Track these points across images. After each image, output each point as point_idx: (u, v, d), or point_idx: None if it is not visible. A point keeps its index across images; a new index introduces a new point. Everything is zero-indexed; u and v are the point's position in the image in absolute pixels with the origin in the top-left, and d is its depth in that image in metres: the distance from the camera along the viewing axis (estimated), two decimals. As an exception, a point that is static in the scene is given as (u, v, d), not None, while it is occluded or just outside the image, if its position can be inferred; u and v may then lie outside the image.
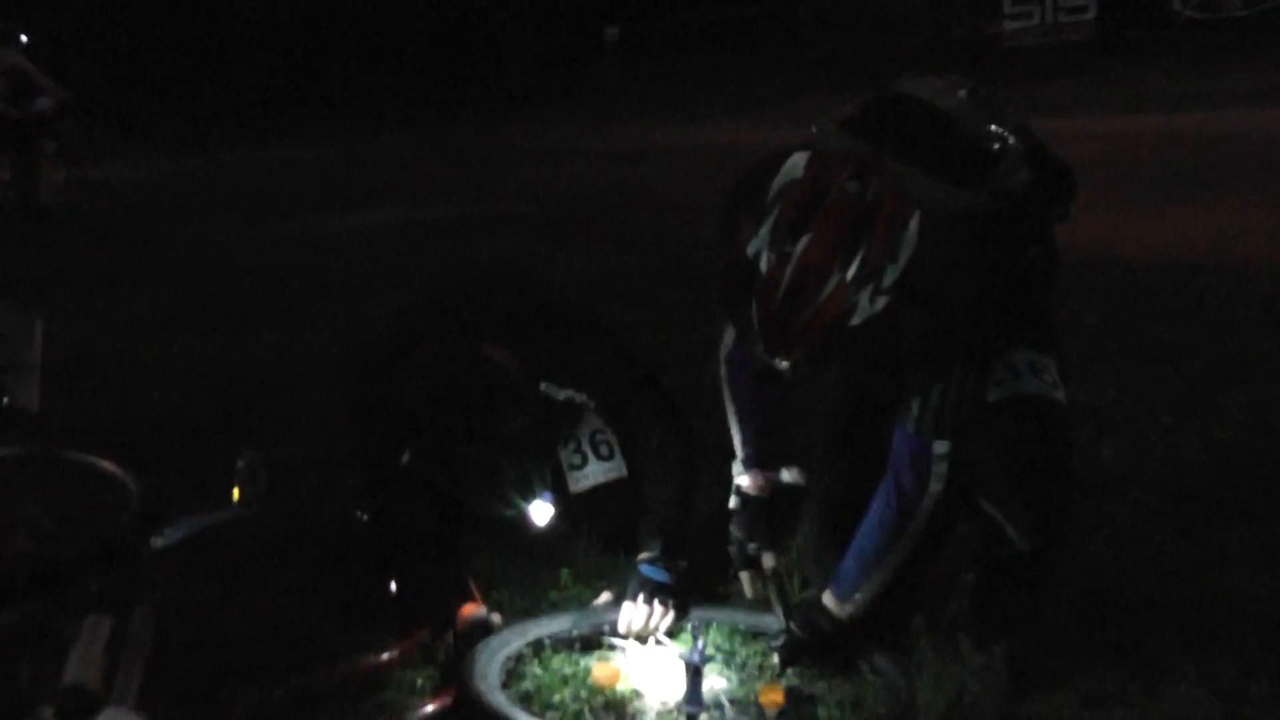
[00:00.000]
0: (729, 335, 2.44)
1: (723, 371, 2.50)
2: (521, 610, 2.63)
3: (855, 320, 1.98)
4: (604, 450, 2.85)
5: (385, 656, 2.46)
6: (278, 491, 2.94)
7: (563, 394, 2.69)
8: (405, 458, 2.71)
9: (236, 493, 2.90)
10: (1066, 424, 2.25)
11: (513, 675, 2.35)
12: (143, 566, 2.74)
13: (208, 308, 6.28)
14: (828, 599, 2.31)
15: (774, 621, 2.45)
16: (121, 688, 2.21)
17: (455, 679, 2.27)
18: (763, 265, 2.00)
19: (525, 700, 2.29)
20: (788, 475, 2.52)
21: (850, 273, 1.96)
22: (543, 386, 2.66)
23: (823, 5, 20.83)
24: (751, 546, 2.52)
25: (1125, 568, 2.72)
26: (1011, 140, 2.18)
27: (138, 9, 23.42)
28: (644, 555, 2.59)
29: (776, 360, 2.05)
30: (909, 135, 2.14)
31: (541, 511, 2.63)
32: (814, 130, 2.21)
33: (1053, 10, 18.89)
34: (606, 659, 2.41)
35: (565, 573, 2.79)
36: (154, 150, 17.15)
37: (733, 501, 2.54)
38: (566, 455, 2.83)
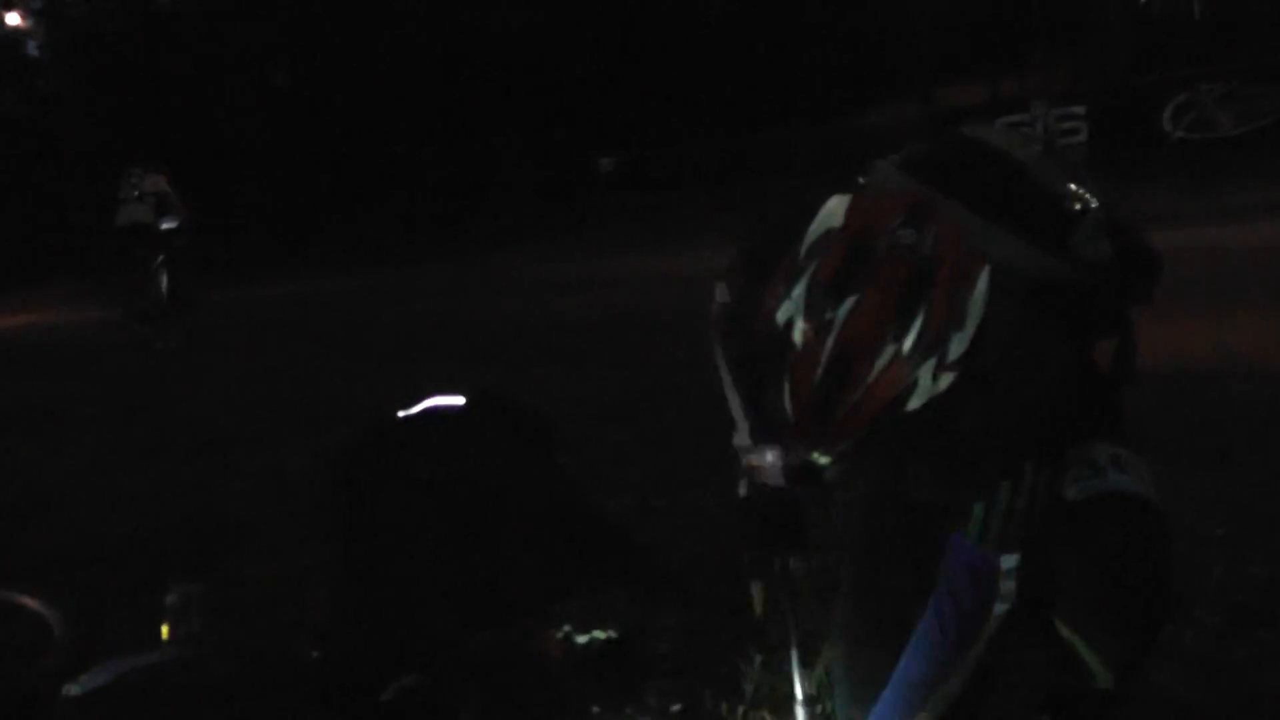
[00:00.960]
0: (720, 293, 2.04)
1: (714, 336, 2.10)
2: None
3: (914, 404, 1.60)
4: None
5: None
6: (215, 628, 2.57)
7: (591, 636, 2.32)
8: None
9: (166, 630, 2.53)
10: (1162, 527, 1.84)
11: None
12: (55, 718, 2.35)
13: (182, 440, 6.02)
14: None
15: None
16: None
17: None
18: (796, 337, 1.60)
19: None
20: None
21: (908, 343, 1.57)
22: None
23: (818, 136, 20.94)
24: (773, 556, 2.11)
25: (1200, 701, 2.33)
26: (1094, 204, 1.84)
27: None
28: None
29: (814, 456, 1.70)
30: (980, 181, 1.80)
31: None
32: (863, 179, 1.88)
33: (1043, 131, 19.02)
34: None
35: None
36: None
37: (741, 488, 2.10)
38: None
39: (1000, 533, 1.74)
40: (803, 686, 2.10)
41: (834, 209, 1.65)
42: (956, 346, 1.60)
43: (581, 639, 2.29)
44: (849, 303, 1.57)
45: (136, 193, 10.35)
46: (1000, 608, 1.77)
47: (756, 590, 2.12)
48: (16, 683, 2.64)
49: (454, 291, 13.69)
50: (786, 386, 1.61)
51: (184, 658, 2.51)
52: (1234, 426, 4.34)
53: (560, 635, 2.27)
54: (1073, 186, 1.84)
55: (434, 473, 2.38)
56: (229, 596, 2.72)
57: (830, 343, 1.58)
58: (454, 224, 22.89)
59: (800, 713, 2.06)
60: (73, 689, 2.40)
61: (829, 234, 1.62)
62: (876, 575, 2.09)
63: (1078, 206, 1.82)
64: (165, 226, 10.37)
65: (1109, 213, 1.85)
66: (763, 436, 2.03)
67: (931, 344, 1.58)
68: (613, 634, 2.32)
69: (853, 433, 1.62)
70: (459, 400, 2.53)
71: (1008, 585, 1.76)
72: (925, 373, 1.59)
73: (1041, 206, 1.80)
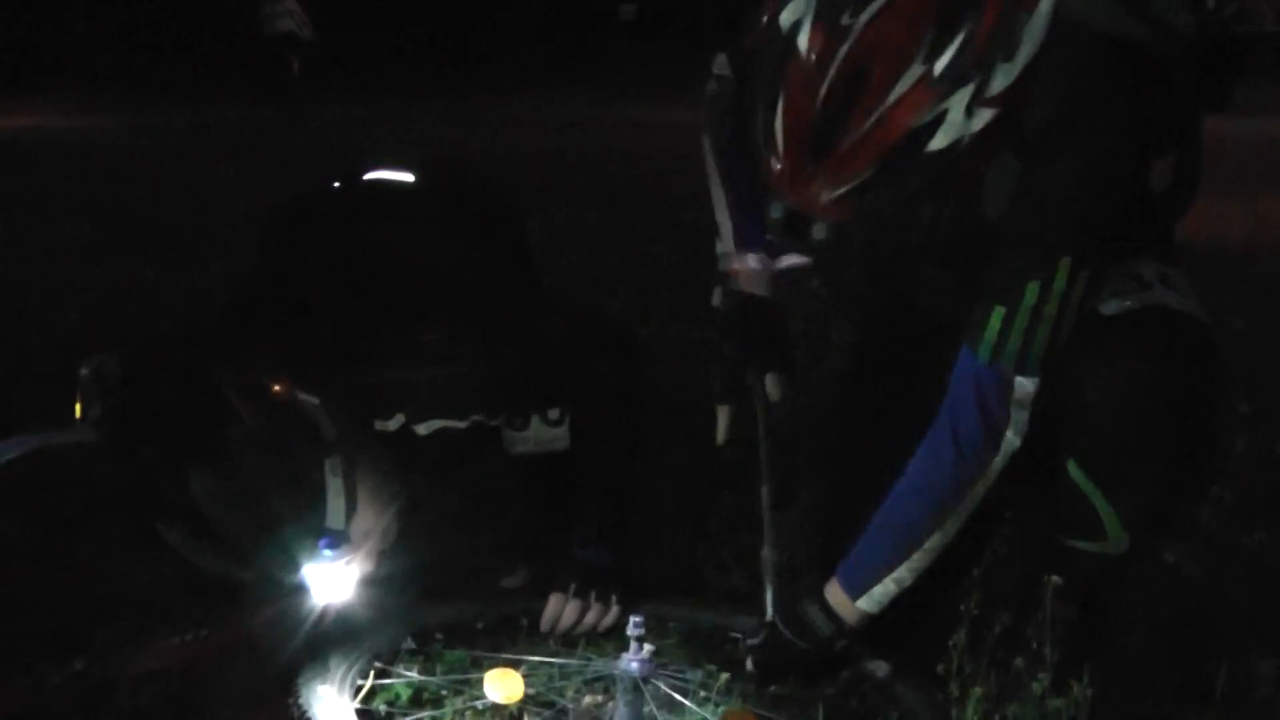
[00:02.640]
0: (719, 64, 1.74)
1: (705, 123, 1.83)
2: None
3: (938, 142, 1.30)
4: (552, 415, 2.11)
5: (225, 634, 1.83)
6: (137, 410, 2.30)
7: (430, 426, 1.95)
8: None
9: (79, 408, 2.26)
10: (1212, 354, 1.53)
11: (381, 675, 1.71)
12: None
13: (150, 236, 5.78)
14: (832, 593, 1.66)
15: (748, 620, 1.80)
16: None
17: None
18: (801, 43, 1.31)
19: (400, 714, 1.65)
20: (790, 259, 1.79)
21: (940, 64, 1.27)
22: (385, 423, 1.92)
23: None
24: (744, 372, 1.82)
25: (1217, 585, 2.10)
26: None
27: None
28: (578, 537, 1.94)
29: (805, 209, 1.39)
30: None
31: (329, 578, 1.78)
32: None
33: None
34: (509, 663, 1.76)
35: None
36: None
37: (716, 297, 1.84)
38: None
39: (1020, 347, 1.44)
40: (770, 526, 1.84)
41: None
42: (1001, 79, 1.30)
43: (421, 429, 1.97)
44: (873, 7, 1.28)
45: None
46: (1011, 441, 1.48)
47: (722, 414, 1.84)
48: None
49: (453, 123, 13.26)
50: (781, 105, 1.32)
51: (100, 437, 2.23)
52: (1264, 305, 4.13)
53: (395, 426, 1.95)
54: None
55: (364, 263, 2.01)
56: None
57: (844, 51, 1.28)
58: (461, 61, 22.22)
59: (767, 553, 1.81)
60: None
61: None
62: (866, 399, 1.81)
63: None
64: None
65: None
66: (747, 241, 1.78)
67: (970, 69, 1.29)
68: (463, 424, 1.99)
69: (855, 171, 1.32)
70: (406, 176, 2.15)
71: (1020, 416, 1.47)
72: (957, 104, 1.29)
73: None
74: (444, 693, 1.71)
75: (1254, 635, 1.91)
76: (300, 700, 1.51)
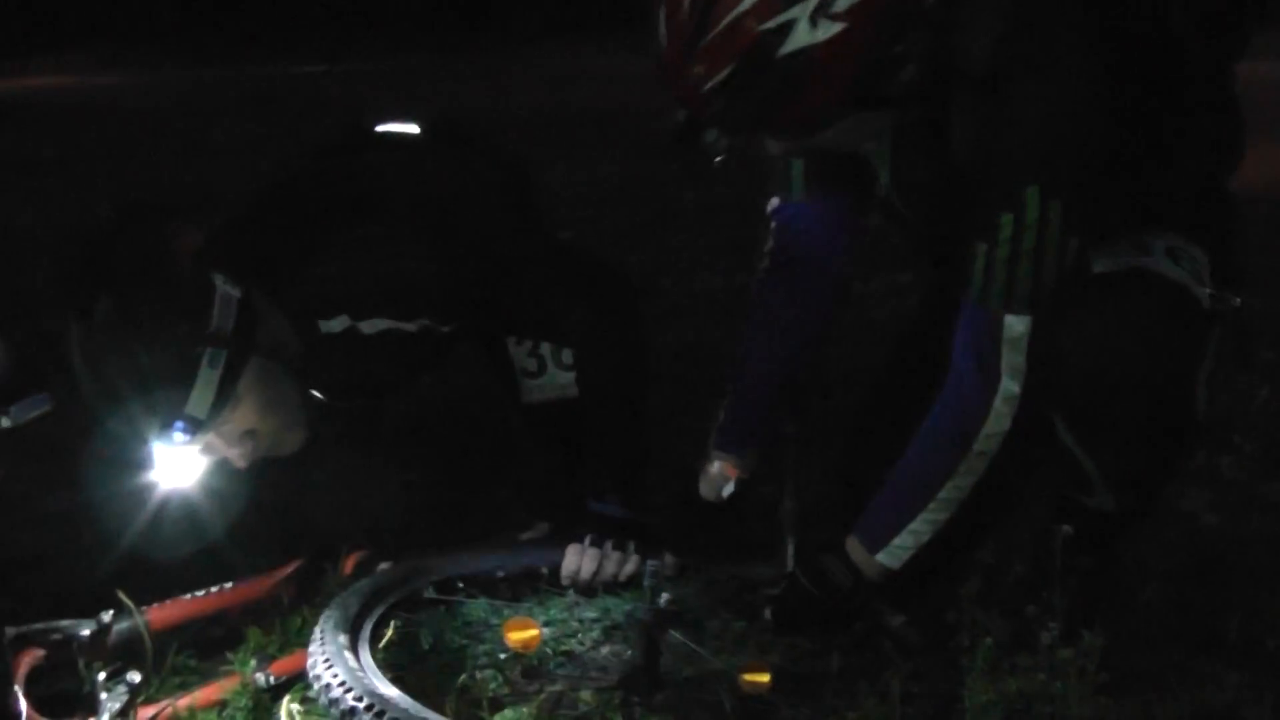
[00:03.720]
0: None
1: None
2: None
3: (789, 47, 1.35)
4: (567, 359, 2.13)
5: (245, 589, 1.86)
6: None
7: (374, 325, 1.95)
8: None
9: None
10: (1200, 328, 1.52)
11: (406, 624, 1.74)
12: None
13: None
14: (852, 547, 1.67)
15: (769, 569, 1.83)
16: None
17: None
18: None
19: (418, 662, 1.68)
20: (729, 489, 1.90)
21: None
22: (327, 323, 1.92)
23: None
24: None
25: (1231, 536, 2.09)
26: None
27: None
28: (592, 489, 1.97)
29: (690, 102, 1.44)
30: None
31: (173, 460, 1.80)
32: None
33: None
34: (528, 613, 1.79)
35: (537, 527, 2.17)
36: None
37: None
38: (520, 357, 2.14)
39: (1005, 283, 1.44)
40: (791, 479, 1.86)
41: None
42: None
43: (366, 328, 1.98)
44: None
45: None
46: (1009, 386, 1.48)
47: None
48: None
49: (471, 78, 13.14)
50: (663, 9, 1.42)
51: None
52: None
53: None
54: None
55: (340, 191, 2.04)
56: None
57: None
58: (483, 13, 21.97)
59: (788, 506, 1.83)
60: (4, 420, 2.19)
61: None
62: (894, 364, 1.85)
63: None
64: None
65: None
66: (725, 444, 1.91)
67: None
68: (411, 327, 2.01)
69: (719, 66, 1.38)
70: (412, 128, 2.18)
71: (1013, 358, 1.47)
72: (801, 14, 1.35)
73: None
74: (464, 642, 1.74)
75: (1269, 585, 1.91)
76: (322, 647, 1.54)
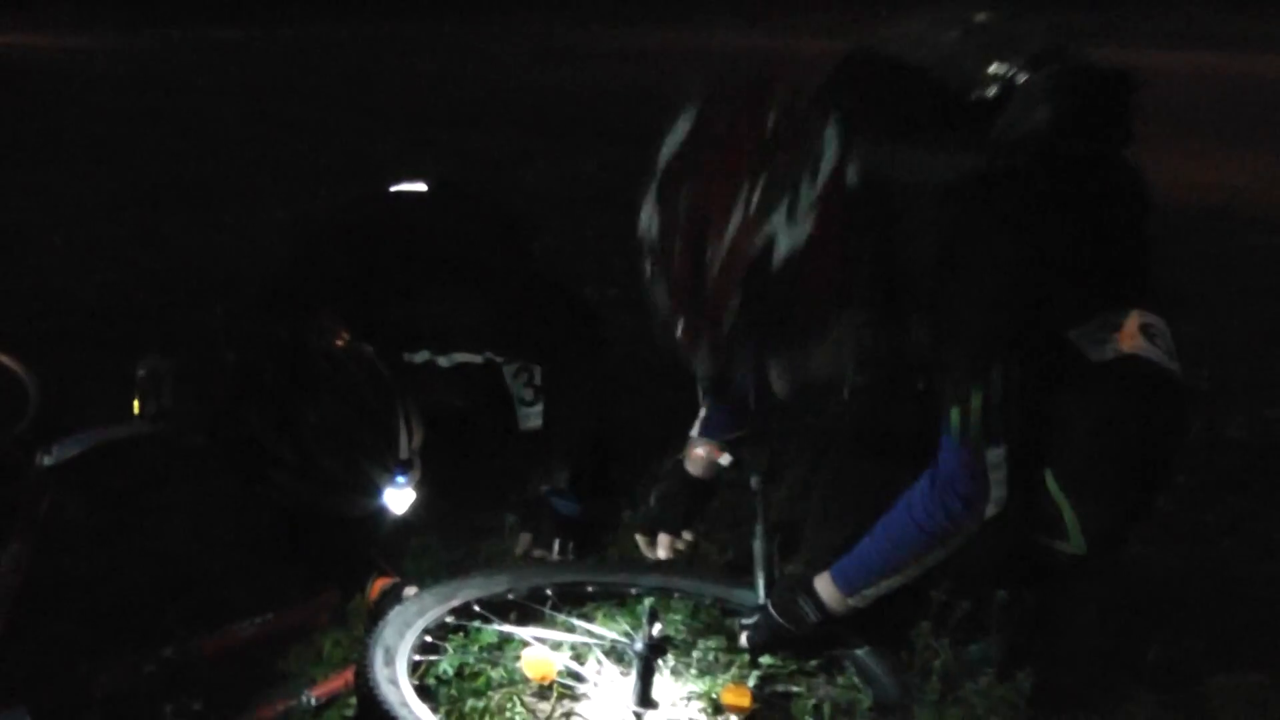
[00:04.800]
0: None
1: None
2: (450, 564, 2.28)
3: (780, 255, 1.56)
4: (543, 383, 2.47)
5: (287, 617, 2.09)
6: (185, 401, 2.54)
7: (451, 359, 2.26)
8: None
9: (137, 405, 2.50)
10: (1181, 406, 1.80)
11: (430, 650, 1.97)
12: (27, 488, 2.35)
13: (166, 183, 5.88)
14: (823, 586, 1.93)
15: (749, 595, 2.08)
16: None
17: (359, 652, 1.89)
18: (654, 231, 1.62)
19: (443, 685, 1.92)
20: (725, 459, 2.19)
21: (755, 199, 1.55)
22: (414, 356, 2.22)
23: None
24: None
25: (1159, 564, 2.35)
26: (1022, 77, 1.70)
27: None
28: (553, 488, 2.35)
29: (703, 358, 1.68)
30: (874, 104, 1.72)
31: (399, 498, 2.12)
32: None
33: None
34: (540, 641, 2.02)
35: (510, 520, 2.43)
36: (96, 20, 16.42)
37: (668, 464, 2.24)
38: (518, 388, 2.43)
39: (981, 429, 1.71)
40: (762, 521, 2.12)
41: (689, 112, 1.64)
42: (807, 193, 1.56)
43: (444, 361, 2.28)
44: (690, 181, 1.59)
45: None
46: (998, 494, 1.75)
47: (640, 541, 2.27)
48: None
49: (457, 51, 13.20)
50: (659, 281, 1.64)
51: (155, 430, 2.48)
52: (1229, 274, 4.27)
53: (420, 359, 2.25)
54: (995, 67, 1.71)
55: (386, 241, 2.31)
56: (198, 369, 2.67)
57: (681, 217, 1.59)
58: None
59: (758, 546, 2.09)
60: (46, 459, 2.40)
61: (683, 137, 1.62)
62: (860, 457, 2.09)
63: (993, 91, 1.69)
64: None
65: (1052, 73, 1.71)
66: (707, 431, 2.20)
67: (779, 192, 1.55)
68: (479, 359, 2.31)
69: (726, 305, 1.59)
70: (420, 187, 2.45)
71: (999, 475, 1.74)
72: (778, 221, 1.56)
73: (947, 105, 1.70)
74: (483, 666, 1.98)
75: (1190, 611, 2.17)
76: (369, 680, 1.77)
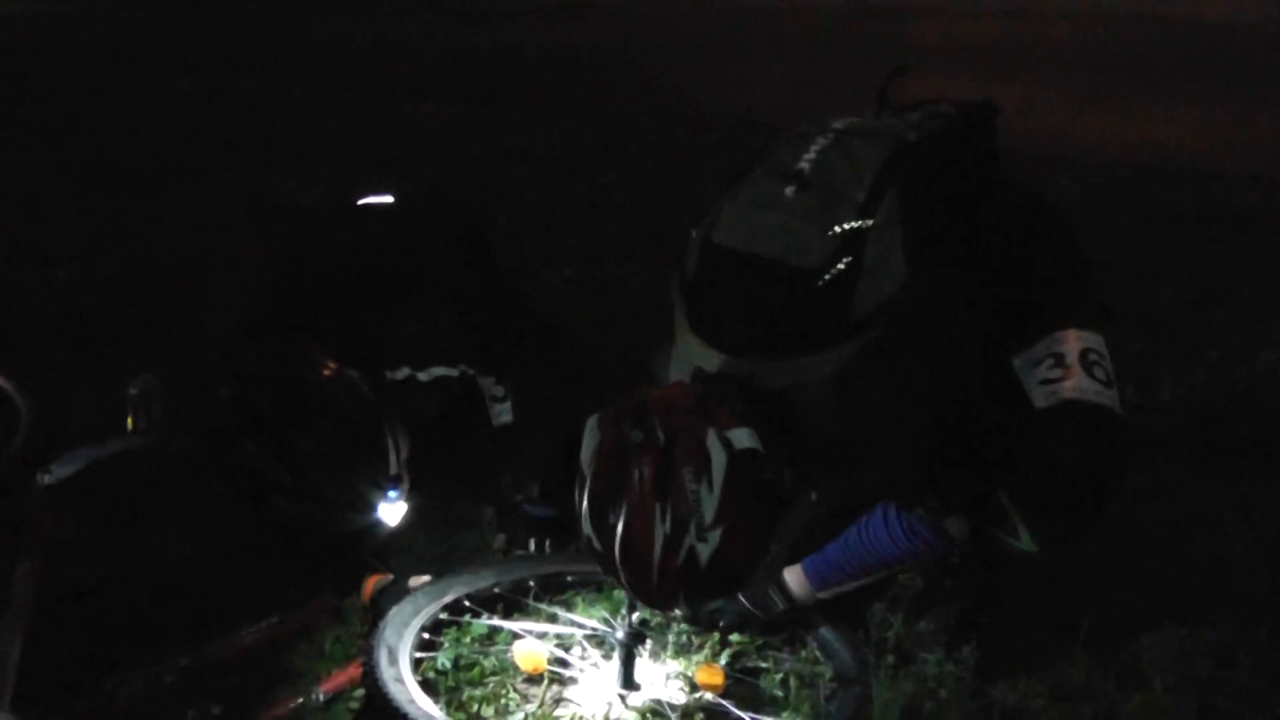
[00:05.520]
0: None
1: None
2: (435, 558, 2.43)
3: (705, 563, 1.77)
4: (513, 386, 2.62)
5: (289, 619, 2.24)
6: (175, 416, 2.66)
7: (430, 374, 2.40)
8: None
9: (130, 421, 2.62)
10: (1122, 439, 1.93)
11: (429, 647, 2.13)
12: (29, 508, 2.46)
13: (113, 169, 5.80)
14: (793, 579, 2.14)
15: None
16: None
17: (365, 654, 2.05)
18: (596, 546, 1.83)
19: (441, 677, 2.09)
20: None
21: (667, 525, 1.75)
22: (396, 374, 2.36)
23: None
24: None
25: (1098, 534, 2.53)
26: (867, 223, 1.75)
27: None
28: (525, 495, 2.50)
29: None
30: (741, 322, 1.83)
31: (392, 512, 2.26)
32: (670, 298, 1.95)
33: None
34: (530, 633, 2.19)
35: (488, 513, 2.59)
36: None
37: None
38: (488, 386, 2.57)
39: (935, 516, 1.95)
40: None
41: (592, 428, 1.84)
42: (709, 507, 1.74)
43: (423, 376, 2.43)
44: (621, 509, 1.78)
45: None
46: (962, 535, 1.96)
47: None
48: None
49: (424, 11, 12.94)
50: (612, 576, 1.86)
51: (148, 445, 2.60)
52: (1160, 232, 4.41)
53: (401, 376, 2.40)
54: (838, 229, 1.75)
55: (358, 262, 2.44)
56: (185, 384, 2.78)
57: (617, 546, 1.79)
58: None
59: None
60: (45, 477, 2.50)
61: (593, 453, 1.82)
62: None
63: (846, 262, 1.74)
64: None
65: (902, 194, 1.76)
66: None
67: (685, 519, 1.75)
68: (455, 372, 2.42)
69: (673, 593, 1.83)
70: (387, 199, 2.57)
71: (958, 527, 1.95)
72: (692, 541, 1.76)
73: (806, 301, 1.75)
74: (477, 658, 2.14)
75: (1122, 577, 2.37)
76: (377, 679, 1.92)
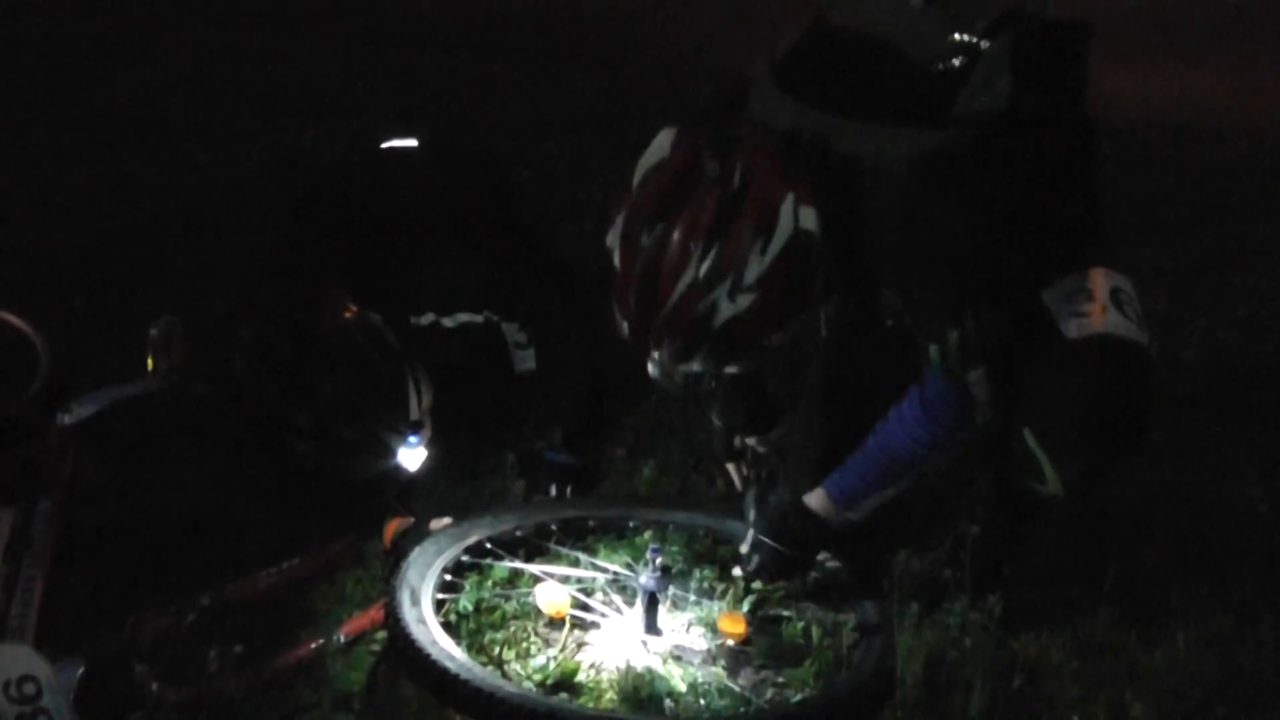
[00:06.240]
0: None
1: None
2: (457, 503, 2.42)
3: (719, 322, 1.74)
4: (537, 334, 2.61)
5: (310, 561, 2.24)
6: (196, 359, 2.65)
7: (455, 320, 2.39)
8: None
9: (150, 363, 2.61)
10: (1149, 374, 1.92)
11: (451, 589, 2.13)
12: (50, 449, 2.46)
13: (133, 123, 5.75)
14: (817, 502, 2.06)
15: (739, 526, 2.23)
16: (21, 600, 1.97)
17: (387, 596, 2.05)
18: (615, 260, 1.78)
19: (463, 620, 2.08)
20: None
21: (703, 270, 1.71)
22: (420, 319, 2.34)
23: None
24: (736, 439, 2.32)
25: (1119, 484, 2.51)
26: (984, 44, 1.79)
27: None
28: (548, 442, 2.50)
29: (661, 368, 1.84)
30: (839, 82, 1.82)
31: (413, 457, 2.27)
32: (749, 74, 1.90)
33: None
34: (552, 577, 2.18)
35: (509, 459, 2.58)
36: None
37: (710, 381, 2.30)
38: (511, 333, 2.56)
39: (961, 360, 1.84)
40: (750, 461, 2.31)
41: (662, 143, 1.78)
42: (754, 270, 1.72)
43: (448, 322, 2.43)
44: (657, 231, 1.73)
45: None
46: (983, 412, 1.88)
47: (732, 470, 2.39)
48: (6, 408, 2.71)
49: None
50: (614, 301, 1.81)
51: (169, 387, 2.59)
52: (1189, 190, 4.35)
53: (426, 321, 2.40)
54: (957, 36, 1.79)
55: (383, 207, 2.42)
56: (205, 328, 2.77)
57: (638, 268, 1.74)
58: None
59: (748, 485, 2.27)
60: (65, 418, 2.50)
61: (655, 167, 1.76)
62: (846, 375, 2.21)
63: (957, 61, 1.77)
64: None
65: (1013, 36, 1.79)
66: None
67: (725, 269, 1.71)
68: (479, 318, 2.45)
69: (673, 341, 1.78)
70: (411, 143, 2.55)
71: (980, 393, 1.86)
72: (721, 296, 1.73)
73: (912, 80, 1.78)
74: (499, 601, 2.14)
75: (1145, 532, 2.36)
76: (399, 620, 1.92)
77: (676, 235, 1.73)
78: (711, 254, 1.71)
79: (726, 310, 1.73)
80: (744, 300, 1.73)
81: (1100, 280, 1.89)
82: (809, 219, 1.72)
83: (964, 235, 1.80)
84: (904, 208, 1.78)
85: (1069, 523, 2.28)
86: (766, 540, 2.12)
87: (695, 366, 1.84)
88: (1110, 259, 1.93)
